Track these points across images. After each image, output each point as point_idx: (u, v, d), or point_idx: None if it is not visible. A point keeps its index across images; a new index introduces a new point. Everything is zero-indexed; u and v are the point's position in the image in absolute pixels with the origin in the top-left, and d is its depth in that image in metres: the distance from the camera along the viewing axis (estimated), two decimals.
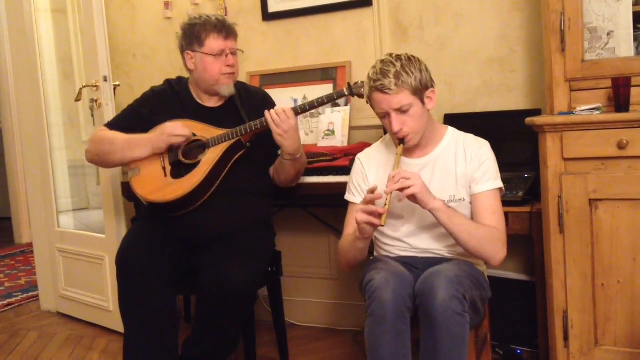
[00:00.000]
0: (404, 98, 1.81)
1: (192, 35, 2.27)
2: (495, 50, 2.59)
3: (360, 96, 2.15)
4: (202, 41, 2.25)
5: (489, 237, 1.82)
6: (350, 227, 1.98)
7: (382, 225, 1.74)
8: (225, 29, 2.27)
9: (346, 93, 2.16)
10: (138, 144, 2.25)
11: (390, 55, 1.87)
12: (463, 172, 1.91)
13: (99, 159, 2.37)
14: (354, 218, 1.81)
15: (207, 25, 2.25)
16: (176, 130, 2.20)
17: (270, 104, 2.42)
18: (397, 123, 1.82)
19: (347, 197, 2.06)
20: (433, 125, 1.96)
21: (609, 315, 2.01)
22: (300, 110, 2.20)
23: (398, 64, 1.82)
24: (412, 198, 1.77)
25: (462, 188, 1.91)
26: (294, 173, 2.32)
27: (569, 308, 2.03)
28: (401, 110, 1.82)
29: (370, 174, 2.02)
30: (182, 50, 2.32)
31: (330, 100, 2.24)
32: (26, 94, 3.43)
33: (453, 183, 1.92)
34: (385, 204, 1.74)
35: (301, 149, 2.27)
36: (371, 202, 1.77)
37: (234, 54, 2.29)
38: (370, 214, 1.74)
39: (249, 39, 3.09)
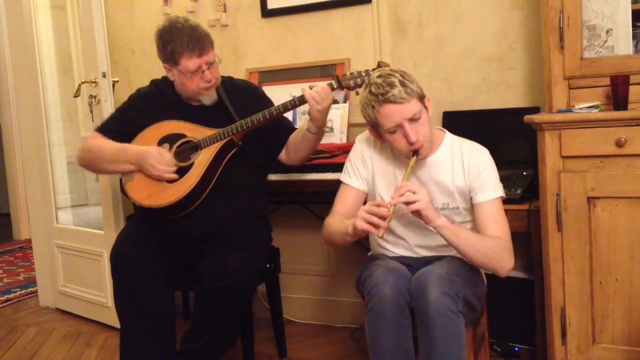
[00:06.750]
0: (415, 105, 1.77)
1: (166, 51, 2.19)
2: (494, 47, 2.59)
3: (350, 88, 2.14)
4: (176, 60, 2.17)
5: (495, 249, 1.78)
6: (340, 206, 1.96)
7: (380, 237, 1.72)
8: (199, 46, 2.15)
9: (335, 87, 2.15)
10: (126, 159, 2.22)
11: (382, 70, 1.84)
12: (460, 183, 1.89)
13: (89, 166, 2.36)
14: (346, 200, 1.82)
15: (178, 44, 2.15)
16: (160, 169, 2.16)
17: (260, 97, 2.42)
18: (413, 132, 1.77)
19: (342, 177, 2.02)
20: (431, 129, 1.95)
21: (606, 313, 2.01)
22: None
23: (398, 75, 1.78)
24: (417, 214, 1.73)
25: (459, 197, 1.89)
26: (314, 147, 2.31)
27: (567, 306, 2.04)
28: (413, 119, 1.78)
29: (368, 157, 1.99)
30: (161, 61, 2.26)
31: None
32: (25, 90, 3.43)
33: (448, 192, 1.90)
34: (387, 217, 1.68)
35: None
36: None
37: (211, 66, 2.21)
38: (371, 223, 1.68)
39: (247, 35, 3.09)
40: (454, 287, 1.67)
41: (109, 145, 2.27)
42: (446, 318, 1.63)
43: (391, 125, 1.78)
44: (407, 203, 1.70)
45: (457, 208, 1.90)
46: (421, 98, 1.81)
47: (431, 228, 1.78)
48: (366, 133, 2.04)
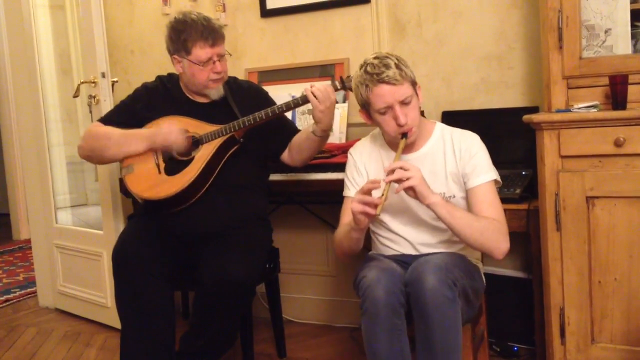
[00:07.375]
0: (407, 89, 1.81)
1: (178, 41, 2.21)
2: (493, 47, 2.59)
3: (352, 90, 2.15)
4: (188, 49, 2.20)
5: (491, 229, 1.79)
6: (346, 217, 1.97)
7: (377, 215, 1.72)
8: (212, 36, 2.19)
9: (338, 87, 2.15)
10: (135, 138, 2.24)
11: (379, 52, 1.89)
12: (453, 170, 1.90)
13: (93, 154, 2.34)
14: (350, 209, 1.80)
15: (192, 33, 2.18)
16: (172, 136, 2.19)
17: (263, 98, 2.42)
18: (403, 115, 1.81)
19: (344, 193, 2.06)
20: (421, 120, 1.96)
21: (605, 312, 2.01)
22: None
23: (394, 58, 1.83)
24: (410, 191, 1.75)
25: (454, 184, 1.90)
26: (317, 149, 2.32)
27: (566, 305, 2.04)
28: (404, 102, 1.81)
29: (361, 164, 2.02)
30: (170, 53, 2.28)
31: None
32: (24, 90, 3.43)
33: (442, 181, 1.91)
34: (382, 194, 1.72)
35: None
36: (368, 192, 1.75)
37: (221, 58, 2.25)
38: (366, 204, 1.72)
39: (247, 35, 3.09)
40: (451, 275, 1.67)
41: (117, 131, 2.28)
42: (443, 304, 1.63)
43: (382, 106, 1.82)
44: (400, 181, 1.72)
45: (454, 197, 1.90)
46: (413, 84, 1.85)
47: (431, 222, 1.78)
48: (357, 145, 2.08)
